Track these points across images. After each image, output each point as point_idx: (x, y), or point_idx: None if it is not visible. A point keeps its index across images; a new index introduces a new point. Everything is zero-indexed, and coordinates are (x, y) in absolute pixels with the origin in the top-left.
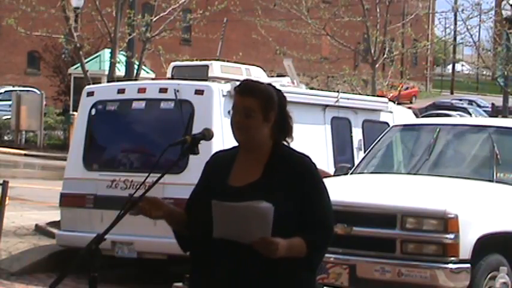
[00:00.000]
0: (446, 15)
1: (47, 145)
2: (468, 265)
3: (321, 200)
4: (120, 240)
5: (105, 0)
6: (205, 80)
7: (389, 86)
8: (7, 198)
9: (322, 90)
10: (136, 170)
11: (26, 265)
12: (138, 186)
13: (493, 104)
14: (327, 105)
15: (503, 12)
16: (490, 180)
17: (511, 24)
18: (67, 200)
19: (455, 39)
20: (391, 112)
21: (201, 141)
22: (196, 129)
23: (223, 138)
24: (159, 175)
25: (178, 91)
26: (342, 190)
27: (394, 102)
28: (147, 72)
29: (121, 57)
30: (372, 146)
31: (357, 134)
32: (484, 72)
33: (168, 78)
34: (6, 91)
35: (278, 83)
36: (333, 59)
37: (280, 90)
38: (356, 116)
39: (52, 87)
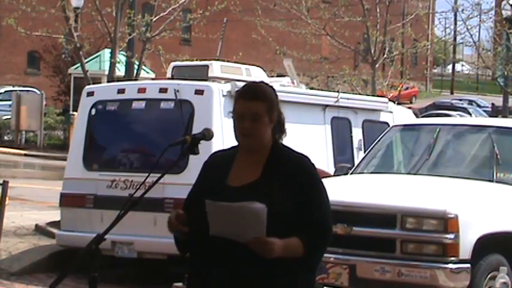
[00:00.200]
0: (446, 15)
1: (47, 145)
2: (468, 265)
3: (320, 200)
4: (120, 240)
5: (105, 0)
6: (205, 80)
7: (389, 86)
8: (7, 198)
9: (322, 90)
10: (136, 170)
11: (26, 265)
12: (138, 186)
13: (493, 104)
14: (327, 105)
15: (503, 12)
16: (490, 180)
17: (511, 24)
18: (67, 200)
19: (455, 39)
20: (391, 112)
21: (201, 141)
22: (196, 129)
23: (223, 138)
24: (159, 175)
25: (178, 91)
26: (342, 190)
27: (394, 102)
28: (147, 72)
29: (121, 57)
30: (372, 146)
31: (357, 134)
32: (484, 72)
33: (168, 78)
34: (6, 91)
35: (278, 83)
36: (333, 59)
37: (273, 87)
38: (356, 116)
39: (52, 87)
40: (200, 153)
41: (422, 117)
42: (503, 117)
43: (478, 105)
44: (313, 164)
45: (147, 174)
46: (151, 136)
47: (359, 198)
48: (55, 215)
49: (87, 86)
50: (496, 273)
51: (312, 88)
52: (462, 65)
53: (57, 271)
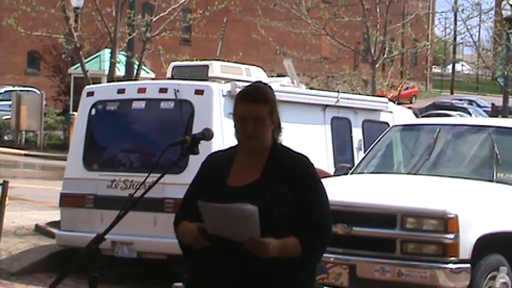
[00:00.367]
0: (446, 15)
1: (47, 145)
2: (468, 265)
3: (319, 200)
4: (120, 240)
5: (105, 0)
6: (205, 80)
7: (389, 86)
8: (7, 198)
9: (322, 90)
10: (136, 170)
11: (26, 265)
12: (138, 186)
13: (493, 104)
14: (327, 105)
15: (503, 12)
16: (490, 180)
17: (511, 24)
18: (67, 200)
19: (455, 39)
20: (391, 112)
21: (201, 141)
22: (196, 129)
23: (223, 138)
24: (159, 175)
25: (178, 91)
26: (342, 190)
27: (394, 102)
28: (147, 72)
29: (121, 57)
30: (372, 146)
31: (357, 134)
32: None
33: (168, 78)
34: (6, 91)
35: (278, 83)
36: (333, 59)
37: (271, 87)
38: (356, 116)
39: (52, 87)
40: (200, 153)
41: (422, 117)
42: (503, 117)
43: (478, 105)
44: (312, 164)
45: (147, 174)
46: (151, 136)
47: (359, 198)
48: (55, 215)
49: (87, 86)
50: (496, 273)
51: (312, 88)
52: (462, 65)
53: (57, 271)
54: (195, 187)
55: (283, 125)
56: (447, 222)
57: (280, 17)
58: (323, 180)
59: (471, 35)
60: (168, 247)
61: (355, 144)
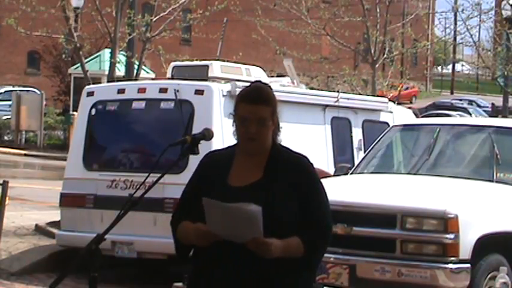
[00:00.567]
0: (446, 15)
1: (47, 145)
2: (468, 265)
3: (319, 200)
4: (120, 240)
5: (105, 0)
6: (205, 80)
7: (389, 86)
8: (7, 198)
9: (322, 90)
10: (136, 170)
11: (26, 265)
12: (138, 186)
13: (493, 104)
14: (327, 105)
15: (503, 12)
16: (490, 180)
17: (511, 24)
18: (67, 200)
19: (455, 39)
20: (391, 112)
21: (201, 141)
22: (196, 129)
23: (223, 138)
24: (159, 175)
25: (178, 91)
26: (342, 190)
27: (394, 102)
28: (147, 72)
29: (121, 57)
30: (372, 146)
31: (357, 134)
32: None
33: (168, 78)
34: (6, 91)
35: (278, 83)
36: (333, 59)
37: (271, 87)
38: (356, 116)
39: (52, 87)
40: (200, 153)
41: (422, 117)
42: (503, 117)
43: (478, 105)
44: (312, 164)
45: (147, 174)
46: (151, 136)
47: (359, 198)
48: (55, 215)
49: (87, 86)
50: (496, 273)
51: (312, 88)
52: (462, 65)
53: (57, 271)
54: (193, 186)
55: (283, 125)
56: (447, 222)
57: (280, 17)
58: (323, 180)
59: (471, 35)
60: (168, 247)
61: (355, 144)
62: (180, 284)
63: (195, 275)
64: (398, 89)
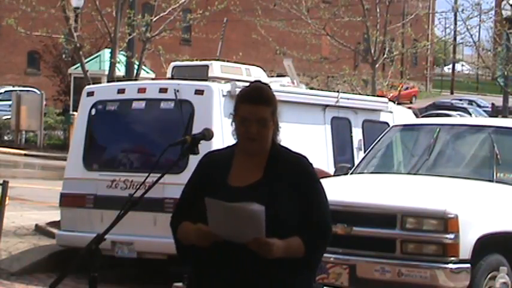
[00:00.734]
0: (446, 15)
1: (47, 145)
2: (468, 265)
3: (319, 200)
4: (120, 240)
5: (105, 0)
6: (205, 80)
7: (389, 86)
8: (7, 198)
9: (322, 90)
10: (136, 170)
11: (26, 265)
12: (138, 186)
13: (493, 104)
14: (327, 105)
15: (503, 12)
16: (490, 180)
17: (511, 24)
18: (67, 200)
19: (455, 39)
20: (391, 112)
21: (201, 141)
22: (196, 129)
23: (223, 138)
24: (159, 175)
25: (178, 91)
26: (342, 190)
27: (394, 102)
28: (147, 72)
29: (121, 57)
30: (372, 146)
31: (357, 134)
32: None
33: (168, 78)
34: (6, 91)
35: (278, 83)
36: (333, 59)
37: (270, 87)
38: (356, 116)
39: (52, 87)
40: (200, 153)
41: (422, 117)
42: (503, 117)
43: (478, 105)
44: (311, 163)
45: (147, 174)
46: (151, 136)
47: (359, 198)
48: (55, 215)
49: (87, 86)
50: (496, 273)
51: (312, 88)
52: (462, 65)
53: (57, 271)
54: (193, 186)
55: (283, 125)
56: (447, 222)
57: (280, 17)
58: (323, 180)
59: (471, 35)
60: (168, 247)
61: (355, 144)
62: (180, 284)
63: (195, 275)
64: (398, 89)
